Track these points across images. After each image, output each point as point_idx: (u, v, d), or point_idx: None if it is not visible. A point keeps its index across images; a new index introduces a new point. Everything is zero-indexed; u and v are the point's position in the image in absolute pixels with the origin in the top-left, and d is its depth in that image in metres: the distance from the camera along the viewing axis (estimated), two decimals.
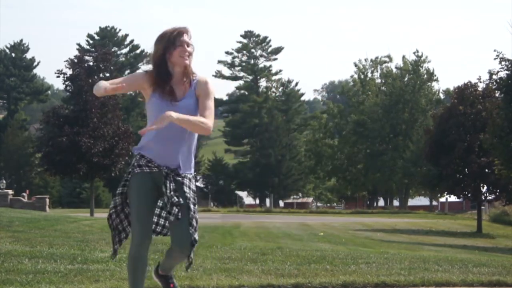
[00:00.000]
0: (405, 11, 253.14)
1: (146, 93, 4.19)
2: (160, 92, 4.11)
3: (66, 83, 32.77)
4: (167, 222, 4.15)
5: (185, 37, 4.17)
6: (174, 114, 3.89)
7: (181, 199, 4.06)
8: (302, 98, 73.77)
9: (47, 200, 34.13)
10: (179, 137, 4.12)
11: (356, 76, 64.10)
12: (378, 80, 63.64)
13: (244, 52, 71.53)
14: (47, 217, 17.28)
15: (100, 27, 69.07)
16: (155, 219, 4.17)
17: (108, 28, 69.05)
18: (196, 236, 4.11)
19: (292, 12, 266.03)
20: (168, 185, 4.07)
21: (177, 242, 4.11)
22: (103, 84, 3.90)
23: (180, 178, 4.13)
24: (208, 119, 4.06)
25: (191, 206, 4.12)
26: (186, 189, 4.13)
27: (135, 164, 4.16)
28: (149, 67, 4.26)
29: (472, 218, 38.01)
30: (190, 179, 4.19)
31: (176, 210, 4.04)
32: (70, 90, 32.90)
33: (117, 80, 4.08)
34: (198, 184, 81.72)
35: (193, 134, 4.17)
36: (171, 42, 4.12)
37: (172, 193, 4.06)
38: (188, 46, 4.17)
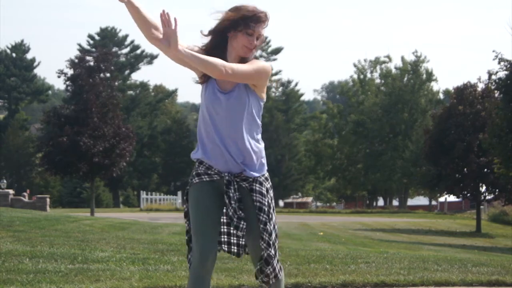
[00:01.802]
0: (405, 11, 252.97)
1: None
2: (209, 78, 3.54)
3: (67, 83, 32.84)
4: (242, 240, 3.58)
5: (261, 28, 3.55)
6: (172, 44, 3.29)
7: (241, 213, 3.48)
8: (302, 98, 73.83)
9: (48, 199, 34.09)
10: (234, 133, 3.50)
11: (355, 76, 64.15)
12: (378, 80, 63.67)
13: None
14: (48, 217, 17.28)
15: (100, 27, 69.02)
16: (225, 238, 3.58)
17: (109, 28, 69.02)
18: (272, 251, 3.50)
19: (292, 12, 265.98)
20: (231, 195, 3.48)
21: (253, 261, 3.60)
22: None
23: (247, 184, 3.53)
24: (230, 64, 3.41)
25: (262, 216, 3.49)
26: (255, 196, 3.52)
27: (194, 173, 3.58)
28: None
29: (471, 217, 38.05)
30: (261, 183, 3.55)
31: (243, 224, 3.47)
32: (71, 90, 32.97)
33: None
34: None
35: (253, 123, 3.56)
36: (245, 23, 3.51)
37: (236, 204, 3.48)
38: (258, 38, 3.55)
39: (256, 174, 3.54)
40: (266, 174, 3.61)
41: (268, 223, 3.48)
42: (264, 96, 3.62)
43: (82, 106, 31.62)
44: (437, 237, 25.01)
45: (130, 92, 69.09)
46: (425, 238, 24.04)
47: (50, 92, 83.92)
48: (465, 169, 30.35)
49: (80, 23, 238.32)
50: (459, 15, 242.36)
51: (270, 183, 3.64)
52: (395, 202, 62.68)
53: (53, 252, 8.00)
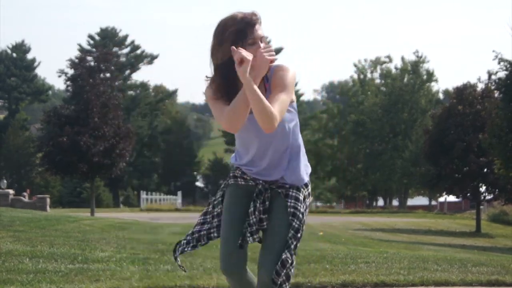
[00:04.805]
0: (405, 11, 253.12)
1: None
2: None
3: (67, 83, 32.88)
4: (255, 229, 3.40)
5: (259, 30, 3.14)
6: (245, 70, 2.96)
7: (265, 224, 3.33)
8: (302, 98, 73.76)
9: (48, 199, 34.08)
10: (279, 143, 3.30)
11: (355, 76, 64.17)
12: (378, 80, 63.69)
13: None
14: (48, 217, 17.28)
15: (100, 28, 68.98)
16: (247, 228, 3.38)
17: (109, 29, 69.01)
18: (290, 258, 3.32)
19: (292, 12, 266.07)
20: (257, 204, 3.32)
21: (262, 262, 3.35)
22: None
23: (283, 190, 3.34)
24: (278, 114, 3.08)
25: (295, 222, 3.29)
26: (290, 202, 3.31)
27: (230, 174, 3.47)
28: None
29: (471, 217, 38.05)
30: (299, 189, 3.34)
31: (257, 237, 3.37)
32: (71, 90, 33.00)
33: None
34: (198, 184, 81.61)
35: (296, 132, 3.34)
36: (241, 36, 3.11)
37: (259, 215, 3.34)
38: (262, 41, 3.15)
39: (297, 180, 3.37)
40: (307, 181, 3.42)
41: (299, 231, 3.31)
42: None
43: (82, 106, 31.64)
44: (437, 237, 25.00)
45: (131, 92, 69.11)
46: (425, 238, 24.02)
47: (50, 92, 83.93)
48: (465, 169, 30.36)
49: (80, 23, 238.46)
50: (459, 15, 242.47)
51: (308, 191, 3.43)
52: (395, 202, 62.70)
53: (53, 252, 8.01)
